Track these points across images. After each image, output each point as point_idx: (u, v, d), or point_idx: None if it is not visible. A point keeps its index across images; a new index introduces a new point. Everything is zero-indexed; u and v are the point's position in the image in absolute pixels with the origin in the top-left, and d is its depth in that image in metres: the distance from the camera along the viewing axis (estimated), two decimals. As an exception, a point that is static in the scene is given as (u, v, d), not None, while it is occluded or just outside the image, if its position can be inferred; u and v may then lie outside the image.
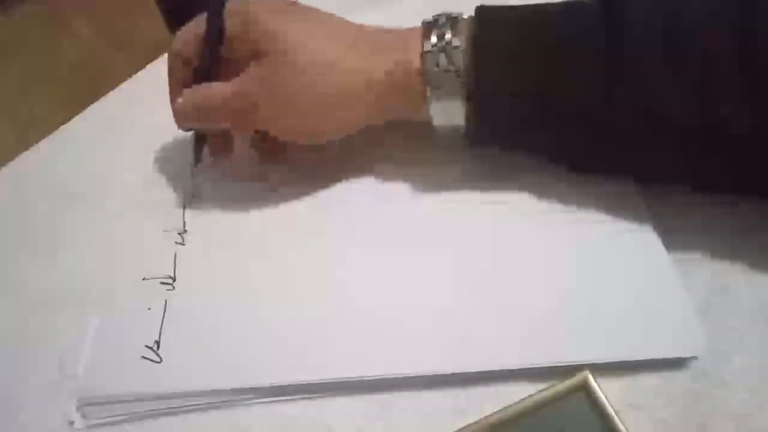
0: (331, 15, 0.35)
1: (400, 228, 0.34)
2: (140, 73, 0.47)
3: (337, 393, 0.29)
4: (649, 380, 0.28)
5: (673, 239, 0.32)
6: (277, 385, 0.29)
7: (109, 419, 0.29)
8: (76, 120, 0.44)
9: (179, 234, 0.35)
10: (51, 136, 0.43)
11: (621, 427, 0.25)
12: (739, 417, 0.27)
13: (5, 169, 0.41)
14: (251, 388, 0.29)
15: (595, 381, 0.26)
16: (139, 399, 0.29)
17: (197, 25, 0.34)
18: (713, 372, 0.28)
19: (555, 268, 0.32)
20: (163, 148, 0.41)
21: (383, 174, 0.37)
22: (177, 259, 0.34)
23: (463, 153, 0.36)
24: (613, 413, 0.25)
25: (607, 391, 0.26)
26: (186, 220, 0.36)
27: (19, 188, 0.40)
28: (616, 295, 0.30)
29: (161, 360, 0.30)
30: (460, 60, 0.31)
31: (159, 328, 0.31)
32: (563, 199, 0.34)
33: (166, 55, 0.41)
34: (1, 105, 0.46)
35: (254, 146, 0.39)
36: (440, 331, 0.30)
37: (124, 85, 0.46)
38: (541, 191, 0.35)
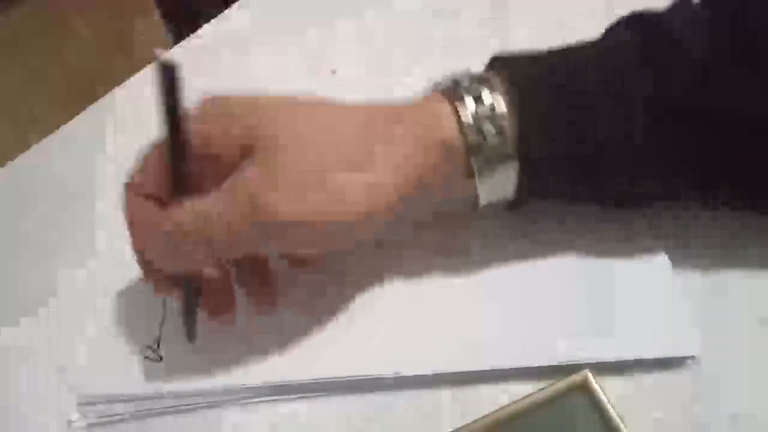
0: (338, 104, 0.29)
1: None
2: (140, 74, 0.46)
3: (336, 392, 0.29)
4: (648, 380, 0.28)
5: (671, 240, 0.32)
6: (276, 384, 0.29)
7: (108, 418, 0.29)
8: (76, 120, 0.44)
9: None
10: (51, 136, 0.43)
11: (620, 426, 0.25)
12: (736, 417, 0.27)
13: (5, 169, 0.41)
14: (251, 388, 0.29)
15: (595, 380, 0.26)
16: (139, 398, 0.29)
17: (149, 160, 0.27)
18: (711, 372, 0.28)
19: (554, 268, 0.32)
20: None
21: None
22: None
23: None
24: (612, 412, 0.25)
25: (606, 390, 0.26)
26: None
27: (19, 188, 0.40)
28: (615, 295, 0.30)
29: (161, 359, 0.30)
30: (508, 128, 0.27)
31: (159, 328, 0.31)
32: (564, 205, 0.34)
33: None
34: (1, 105, 0.46)
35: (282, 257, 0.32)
36: (440, 330, 0.30)
37: (124, 86, 0.46)
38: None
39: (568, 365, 0.28)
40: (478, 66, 0.31)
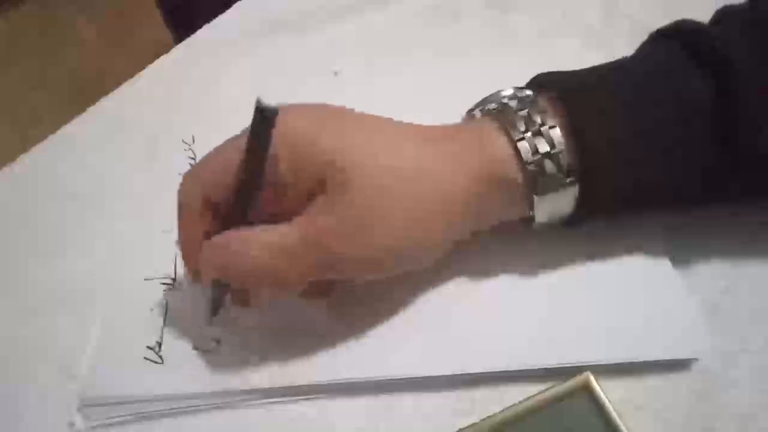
0: (391, 120, 0.29)
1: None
2: (140, 74, 0.46)
3: (339, 394, 0.29)
4: (652, 381, 0.28)
5: (677, 240, 0.32)
6: (279, 386, 0.29)
7: (110, 420, 0.29)
8: (77, 120, 0.44)
9: (180, 235, 0.35)
10: (51, 137, 0.43)
11: (623, 428, 0.25)
12: (742, 418, 0.27)
13: (5, 169, 0.41)
14: (253, 389, 0.29)
15: (597, 382, 0.26)
16: (141, 400, 0.29)
17: (222, 159, 0.27)
18: (717, 373, 0.28)
19: (557, 269, 0.32)
20: (164, 149, 0.41)
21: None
22: (178, 260, 0.34)
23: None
24: (615, 415, 0.25)
25: (609, 392, 0.26)
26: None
27: (19, 188, 0.40)
28: (619, 296, 0.30)
29: (163, 361, 0.30)
30: (566, 160, 0.27)
31: (161, 329, 0.31)
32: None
33: (166, 55, 0.40)
34: (2, 105, 0.46)
35: (303, 294, 0.31)
36: (442, 332, 0.30)
37: (124, 86, 0.46)
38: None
39: (570, 367, 0.28)
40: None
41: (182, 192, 0.28)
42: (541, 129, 0.27)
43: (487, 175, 0.28)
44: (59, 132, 0.43)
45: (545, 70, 0.31)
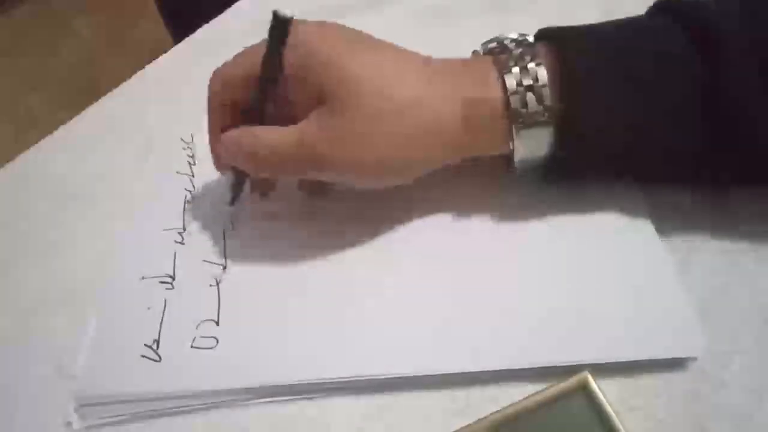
0: (398, 47, 0.32)
1: (403, 229, 0.34)
2: (140, 73, 0.47)
3: (337, 393, 0.29)
4: (648, 381, 0.28)
5: (673, 239, 0.32)
6: (276, 384, 0.29)
7: (107, 420, 0.29)
8: (76, 120, 0.44)
9: (178, 233, 0.35)
10: (51, 136, 0.43)
11: (620, 427, 0.25)
12: (738, 418, 0.27)
13: (5, 169, 0.41)
14: (251, 388, 0.29)
15: (595, 381, 0.26)
16: (138, 399, 0.29)
17: (244, 62, 0.31)
18: (712, 373, 0.28)
19: (554, 268, 0.32)
20: (163, 148, 0.41)
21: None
22: (176, 259, 0.34)
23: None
24: (612, 414, 0.25)
25: (606, 391, 0.26)
26: (185, 219, 0.36)
27: (18, 188, 0.40)
28: (615, 295, 0.30)
29: (160, 359, 0.30)
30: (549, 98, 0.29)
31: (158, 327, 0.31)
32: (564, 201, 0.34)
33: (165, 55, 0.40)
34: (1, 105, 0.46)
35: (301, 187, 0.36)
36: (440, 331, 0.30)
37: (124, 85, 0.46)
38: (541, 193, 0.35)
39: (568, 366, 0.28)
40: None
41: (210, 88, 0.32)
42: (528, 66, 0.30)
43: (475, 104, 0.30)
44: (57, 131, 0.43)
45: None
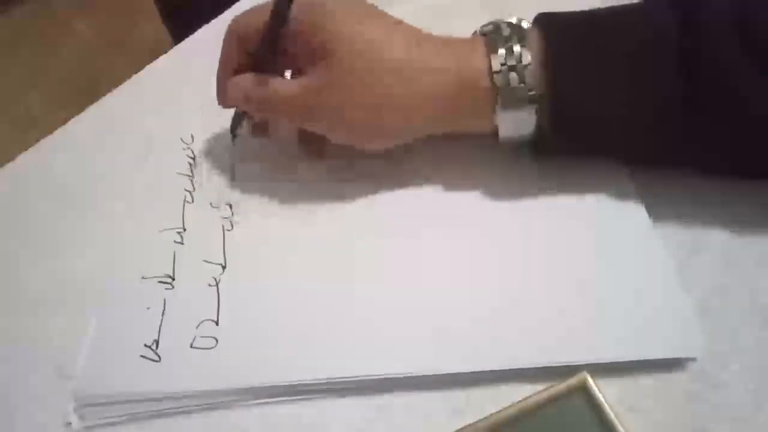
0: (397, 19, 0.34)
1: (401, 226, 0.34)
2: (140, 73, 0.46)
3: (336, 394, 0.29)
4: (647, 381, 0.28)
5: (672, 240, 0.32)
6: (275, 385, 0.29)
7: (106, 420, 0.29)
8: (76, 120, 0.44)
9: (178, 233, 0.35)
10: (51, 136, 0.43)
11: (619, 428, 0.25)
12: (737, 418, 0.27)
13: (5, 169, 0.41)
14: (250, 389, 0.29)
15: (594, 382, 0.26)
16: (138, 400, 0.29)
17: (261, 11, 0.34)
18: (712, 373, 0.28)
19: (554, 269, 0.32)
20: (163, 148, 0.41)
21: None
22: (176, 259, 0.34)
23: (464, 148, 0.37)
24: (611, 414, 0.25)
25: (605, 391, 0.26)
26: (185, 219, 0.36)
27: (18, 188, 0.40)
28: (614, 296, 0.30)
29: (160, 359, 0.30)
30: (532, 78, 0.31)
31: (158, 328, 0.31)
32: (564, 202, 0.34)
33: (165, 55, 0.40)
34: (1, 105, 0.46)
35: (300, 140, 0.38)
36: (439, 331, 0.30)
37: (124, 85, 0.46)
38: (540, 193, 0.35)
39: (567, 366, 0.28)
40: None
41: (228, 29, 0.35)
42: (514, 47, 0.31)
43: (462, 80, 0.32)
44: (58, 132, 0.43)
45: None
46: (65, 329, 0.32)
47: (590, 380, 0.26)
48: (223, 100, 0.36)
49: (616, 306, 0.30)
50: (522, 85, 0.31)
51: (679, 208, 0.33)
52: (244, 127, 0.38)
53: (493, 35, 0.33)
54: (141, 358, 0.30)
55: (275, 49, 0.33)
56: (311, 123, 0.34)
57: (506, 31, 0.32)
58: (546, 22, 0.32)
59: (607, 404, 0.26)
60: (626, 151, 0.34)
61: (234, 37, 0.35)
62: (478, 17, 0.45)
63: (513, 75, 0.31)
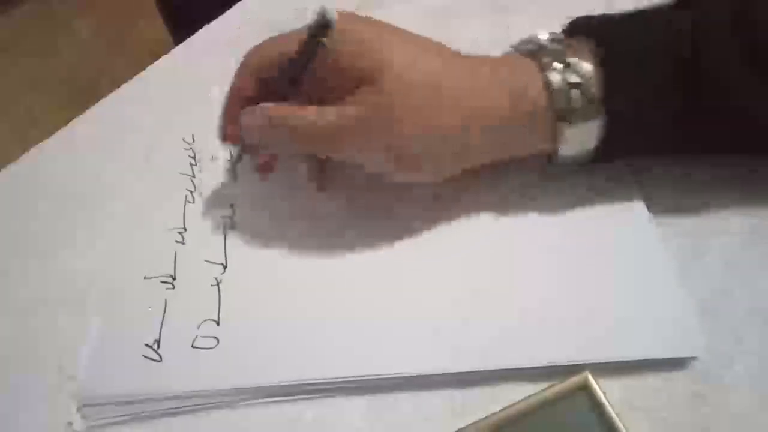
0: (432, 41, 0.32)
1: (401, 226, 0.34)
2: (140, 74, 0.46)
3: (337, 393, 0.29)
4: (649, 380, 0.28)
5: (674, 240, 0.32)
6: (277, 384, 0.29)
7: (108, 420, 0.29)
8: (76, 121, 0.44)
9: (179, 233, 0.35)
10: (51, 137, 0.43)
11: (621, 427, 0.25)
12: (739, 417, 0.27)
13: (5, 170, 0.41)
14: (251, 388, 0.29)
15: (596, 381, 0.26)
16: (139, 399, 0.29)
17: (282, 41, 0.32)
18: (714, 372, 0.28)
19: (556, 269, 0.32)
20: (164, 148, 0.41)
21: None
22: (177, 258, 0.34)
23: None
24: (613, 413, 0.25)
25: (607, 391, 0.26)
26: (186, 219, 0.36)
27: (19, 188, 0.40)
28: (616, 295, 0.30)
29: (161, 359, 0.30)
30: (594, 91, 0.29)
31: (159, 328, 0.31)
32: (565, 203, 0.34)
33: (166, 56, 0.40)
34: (1, 105, 0.46)
35: (310, 171, 0.36)
36: (440, 330, 0.30)
37: (124, 86, 0.46)
38: (542, 195, 0.35)
39: (568, 366, 0.28)
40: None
41: (245, 58, 0.33)
42: (570, 61, 0.30)
43: (517, 103, 0.30)
44: (59, 132, 0.43)
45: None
46: (67, 329, 0.32)
47: (592, 380, 0.26)
48: (232, 131, 0.34)
49: (617, 305, 0.30)
50: (586, 98, 0.29)
51: (681, 208, 0.33)
52: (245, 163, 0.36)
53: (539, 51, 0.31)
54: (142, 358, 0.30)
55: (300, 80, 0.31)
56: (351, 153, 0.31)
57: (551, 45, 0.31)
58: (590, 28, 0.31)
59: (609, 404, 0.26)
60: (657, 149, 0.33)
61: (250, 66, 0.33)
62: (479, 17, 0.45)
63: (575, 92, 0.29)
